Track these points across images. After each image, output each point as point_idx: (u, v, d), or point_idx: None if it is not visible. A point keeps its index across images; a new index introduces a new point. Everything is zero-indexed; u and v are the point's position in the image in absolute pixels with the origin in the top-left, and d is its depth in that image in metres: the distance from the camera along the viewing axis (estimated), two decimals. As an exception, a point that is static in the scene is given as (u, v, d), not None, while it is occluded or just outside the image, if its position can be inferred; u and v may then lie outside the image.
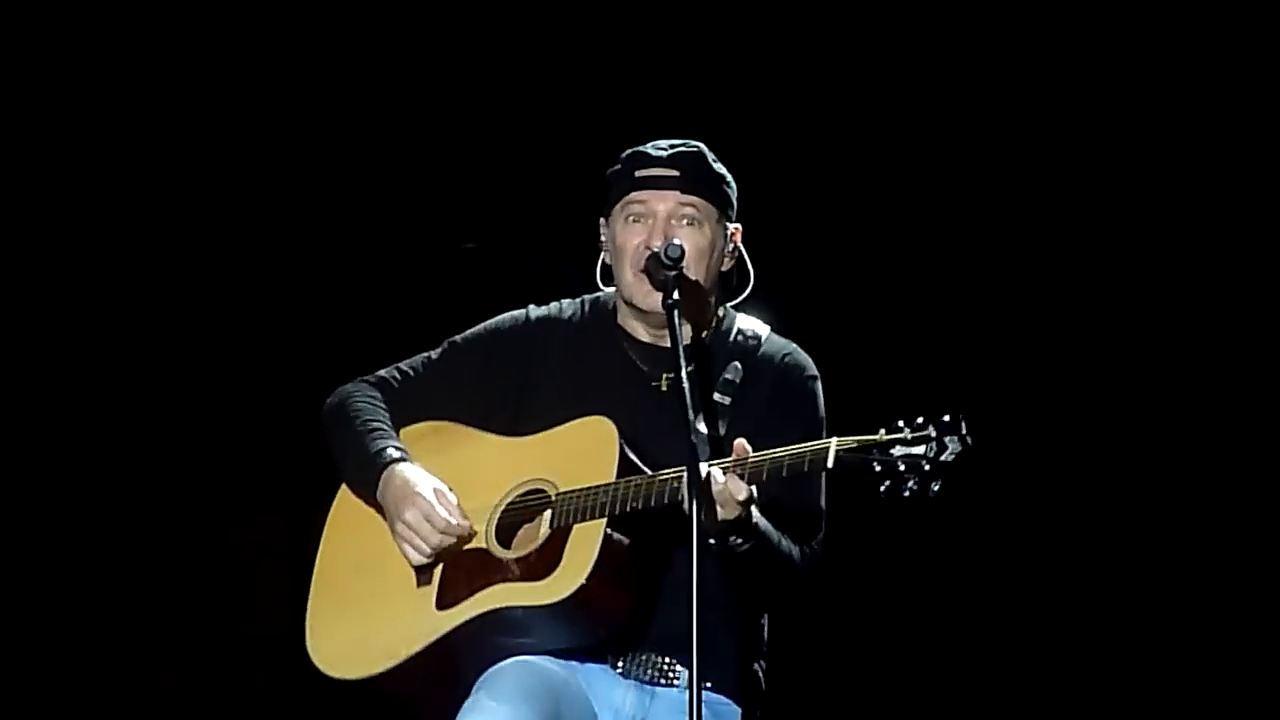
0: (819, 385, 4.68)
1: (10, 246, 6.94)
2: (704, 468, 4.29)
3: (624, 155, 4.70)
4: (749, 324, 4.74)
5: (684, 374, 4.31)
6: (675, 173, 4.62)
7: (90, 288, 7.04)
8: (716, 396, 4.62)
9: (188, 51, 6.82)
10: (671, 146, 4.66)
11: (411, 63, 6.87)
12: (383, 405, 4.74)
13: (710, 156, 4.67)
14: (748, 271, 4.71)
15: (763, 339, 4.71)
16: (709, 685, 4.38)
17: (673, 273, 4.44)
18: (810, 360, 4.71)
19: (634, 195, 4.62)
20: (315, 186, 6.98)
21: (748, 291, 4.72)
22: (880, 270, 6.88)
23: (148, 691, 7.23)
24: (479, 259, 7.00)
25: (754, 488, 4.31)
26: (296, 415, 6.52)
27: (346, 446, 4.70)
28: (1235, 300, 6.77)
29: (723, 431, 4.52)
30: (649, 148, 4.67)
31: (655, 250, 4.49)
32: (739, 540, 4.38)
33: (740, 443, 4.32)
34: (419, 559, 4.58)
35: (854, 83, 6.80)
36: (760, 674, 4.65)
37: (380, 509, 4.67)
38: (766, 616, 4.66)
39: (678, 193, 4.62)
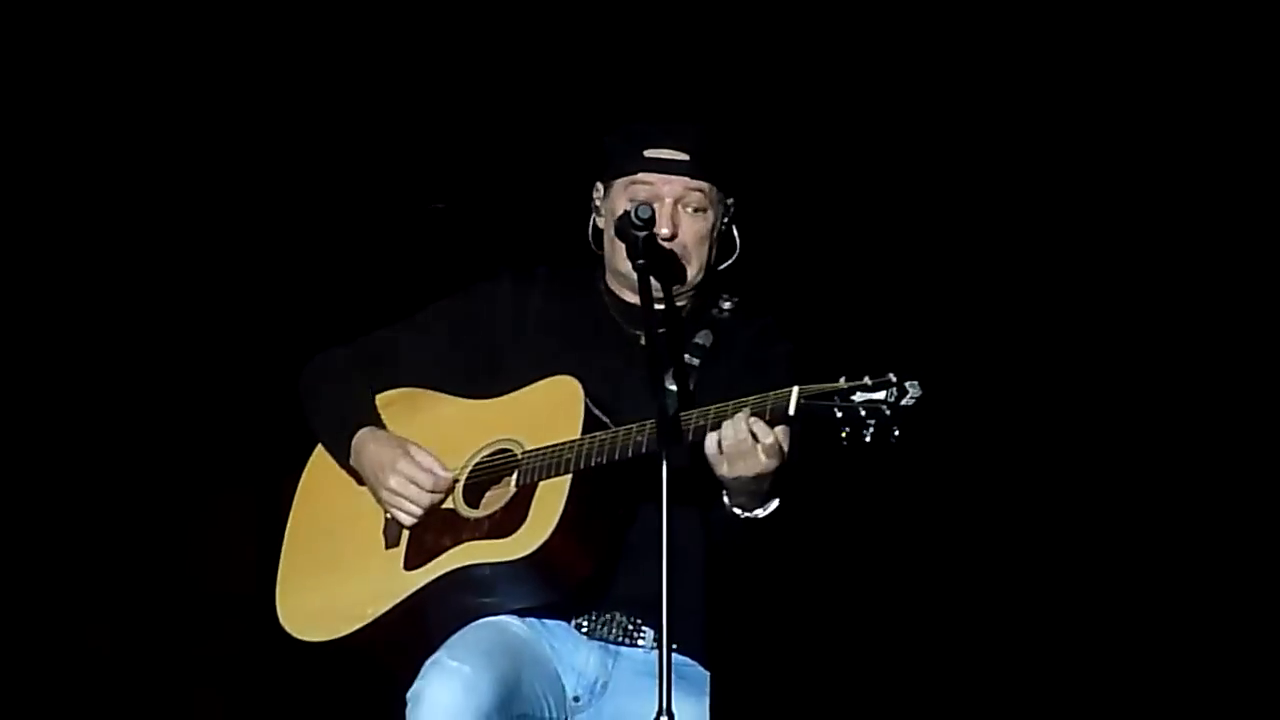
0: (791, 356, 4.66)
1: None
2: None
3: (631, 127, 4.64)
4: (726, 296, 4.72)
5: (655, 339, 4.30)
6: (685, 156, 4.57)
7: (56, 264, 7.00)
8: (686, 358, 4.61)
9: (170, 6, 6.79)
10: (678, 125, 4.60)
11: (385, 24, 6.84)
12: (357, 372, 4.73)
13: (718, 138, 4.61)
14: (734, 241, 4.69)
15: (737, 313, 4.71)
16: (675, 647, 4.38)
17: (642, 234, 4.38)
18: (783, 335, 4.71)
19: (641, 176, 4.56)
20: (281, 152, 6.95)
21: (731, 260, 4.70)
22: (856, 239, 6.86)
23: (114, 655, 7.22)
24: (448, 219, 6.97)
25: (779, 431, 4.27)
26: (270, 385, 6.53)
27: (319, 414, 4.71)
28: (1217, 271, 6.75)
29: (691, 388, 4.48)
30: (657, 125, 4.61)
31: (627, 211, 4.42)
32: (758, 508, 4.38)
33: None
34: (410, 520, 4.58)
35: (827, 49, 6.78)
36: (724, 636, 4.64)
37: (355, 474, 4.67)
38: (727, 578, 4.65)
39: (686, 178, 4.57)
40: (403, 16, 6.76)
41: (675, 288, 4.56)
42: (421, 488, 4.57)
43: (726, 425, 4.26)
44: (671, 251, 4.56)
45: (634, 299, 4.60)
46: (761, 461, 4.27)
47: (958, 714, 6.79)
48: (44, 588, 7.11)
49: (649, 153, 4.58)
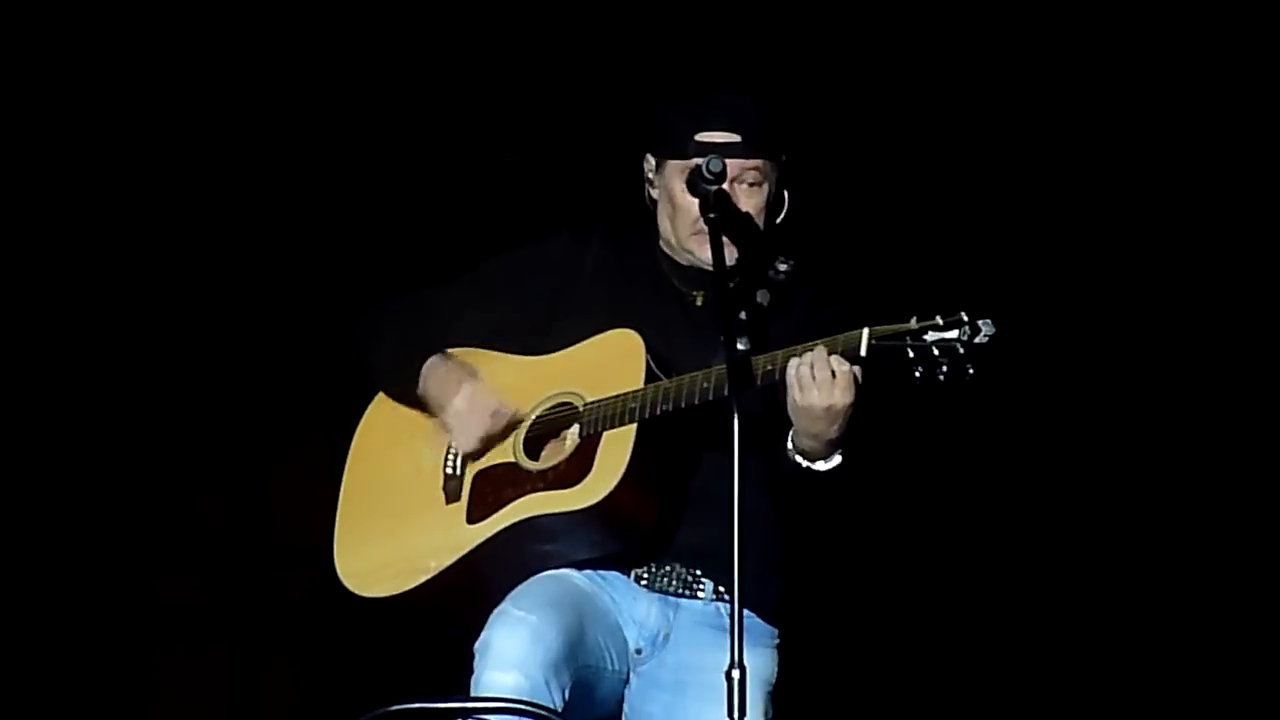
0: (843, 317, 4.59)
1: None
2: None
3: (680, 106, 4.61)
4: (782, 258, 4.71)
5: (727, 294, 4.31)
6: (737, 138, 4.55)
7: (129, 223, 7.04)
8: (743, 316, 4.55)
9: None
10: (728, 104, 4.58)
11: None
12: (419, 317, 4.74)
13: (766, 108, 4.59)
14: (784, 200, 4.67)
15: (794, 272, 4.69)
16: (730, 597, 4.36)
17: (713, 187, 4.39)
18: (842, 293, 4.69)
19: (696, 160, 4.48)
20: (354, 105, 6.96)
21: (782, 216, 4.67)
22: (910, 189, 6.83)
23: (181, 605, 7.26)
24: (519, 173, 6.96)
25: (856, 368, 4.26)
26: (338, 334, 6.53)
27: (384, 351, 4.71)
28: (1223, 268, 6.72)
29: (743, 349, 4.42)
30: (705, 104, 4.59)
31: (698, 164, 4.41)
32: (821, 459, 4.36)
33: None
34: (469, 444, 4.59)
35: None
36: (780, 586, 4.64)
37: (420, 408, 4.68)
38: (784, 529, 4.65)
39: (741, 160, 4.55)
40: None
41: (734, 260, 4.53)
42: (486, 409, 4.57)
43: (807, 354, 4.26)
44: (739, 210, 4.55)
45: (688, 260, 4.62)
46: (836, 395, 4.26)
47: (1015, 685, 6.79)
48: (117, 541, 7.15)
49: (701, 136, 4.56)
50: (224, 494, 7.27)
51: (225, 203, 7.05)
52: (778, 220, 4.66)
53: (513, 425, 4.61)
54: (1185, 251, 6.71)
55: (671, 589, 4.57)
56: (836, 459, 4.40)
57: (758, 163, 4.57)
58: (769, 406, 4.40)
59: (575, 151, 6.86)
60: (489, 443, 4.61)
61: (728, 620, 4.01)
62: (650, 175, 4.68)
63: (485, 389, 4.59)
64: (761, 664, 4.55)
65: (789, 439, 4.39)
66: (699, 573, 4.57)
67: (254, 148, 6.99)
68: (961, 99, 6.71)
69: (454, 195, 6.93)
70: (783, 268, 4.69)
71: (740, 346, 4.32)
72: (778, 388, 4.33)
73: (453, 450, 4.66)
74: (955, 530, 6.83)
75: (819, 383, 4.26)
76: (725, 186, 4.47)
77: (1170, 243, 6.72)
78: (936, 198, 6.78)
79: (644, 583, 4.57)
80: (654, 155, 4.65)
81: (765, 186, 4.59)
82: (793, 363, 4.28)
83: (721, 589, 4.56)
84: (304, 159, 7.00)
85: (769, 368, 4.32)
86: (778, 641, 4.65)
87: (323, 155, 7.00)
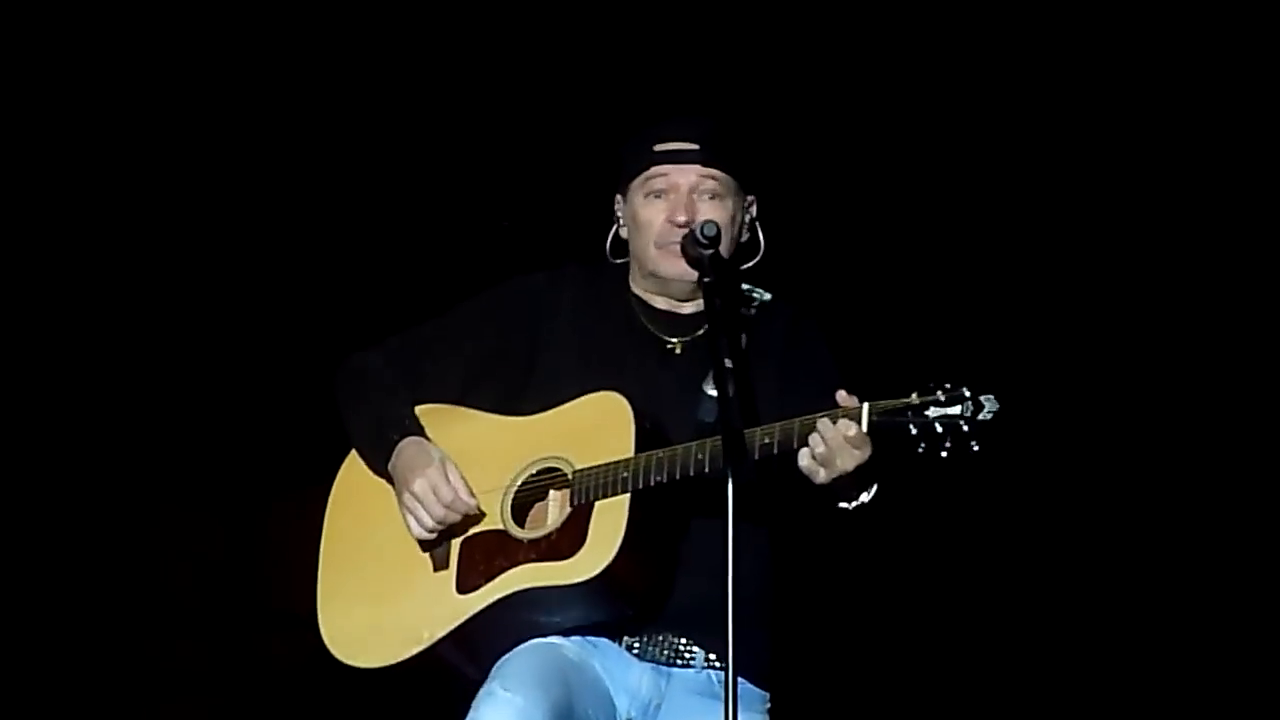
0: (825, 342, 4.64)
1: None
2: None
3: (636, 131, 4.61)
4: (753, 291, 4.67)
5: (727, 361, 4.23)
6: (695, 146, 4.54)
7: (106, 276, 7.03)
8: (728, 362, 4.52)
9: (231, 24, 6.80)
10: (688, 116, 4.58)
11: (453, 39, 6.84)
12: (396, 373, 4.68)
13: (728, 126, 4.59)
14: (758, 241, 4.64)
15: (767, 305, 4.66)
16: (722, 665, 4.30)
17: (708, 251, 4.35)
18: (814, 322, 4.67)
19: (654, 170, 4.53)
20: (359, 166, 6.96)
21: (756, 259, 4.64)
22: (888, 248, 6.82)
23: (177, 668, 7.22)
24: (515, 238, 6.96)
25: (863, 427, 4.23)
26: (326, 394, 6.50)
27: (359, 415, 4.65)
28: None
29: (730, 393, 4.37)
30: (665, 120, 4.58)
31: (692, 229, 4.39)
32: (853, 497, 4.34)
33: (841, 393, 4.26)
34: (422, 532, 4.52)
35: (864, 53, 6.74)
36: (768, 642, 4.59)
37: (389, 480, 4.61)
38: (773, 592, 4.61)
39: (699, 166, 4.53)
40: (471, 43, 6.77)
41: (697, 283, 4.44)
42: (439, 500, 4.49)
43: (813, 436, 4.23)
44: (731, 263, 4.50)
45: (665, 304, 4.60)
46: (856, 455, 4.23)
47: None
48: (98, 599, 7.11)
49: (659, 146, 4.55)
50: (217, 554, 7.25)
51: (224, 265, 7.04)
52: (749, 265, 4.63)
53: (474, 517, 4.53)
54: (1195, 320, 6.71)
55: (663, 658, 4.51)
56: (875, 487, 4.39)
57: (715, 173, 4.53)
58: (755, 476, 4.36)
59: (572, 217, 6.85)
60: (443, 535, 4.54)
61: (720, 688, 3.97)
62: (619, 212, 4.64)
63: (446, 479, 4.51)
64: (753, 730, 4.51)
65: (822, 497, 4.38)
66: (689, 642, 4.51)
67: (254, 207, 6.99)
68: (970, 149, 6.70)
69: (452, 260, 6.92)
70: (757, 301, 4.65)
71: (709, 404, 4.33)
72: (771, 456, 4.30)
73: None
74: (941, 579, 6.81)
75: (835, 451, 4.23)
76: (684, 195, 4.48)
77: (1181, 311, 6.72)
78: (932, 256, 6.78)
79: (635, 651, 4.52)
80: (620, 191, 4.63)
81: (727, 203, 4.55)
82: (803, 453, 4.24)
83: (713, 656, 4.51)
84: (303, 220, 7.00)
85: (765, 441, 4.29)
86: (769, 706, 4.60)
87: (322, 217, 7.00)
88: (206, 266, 7.04)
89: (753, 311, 4.63)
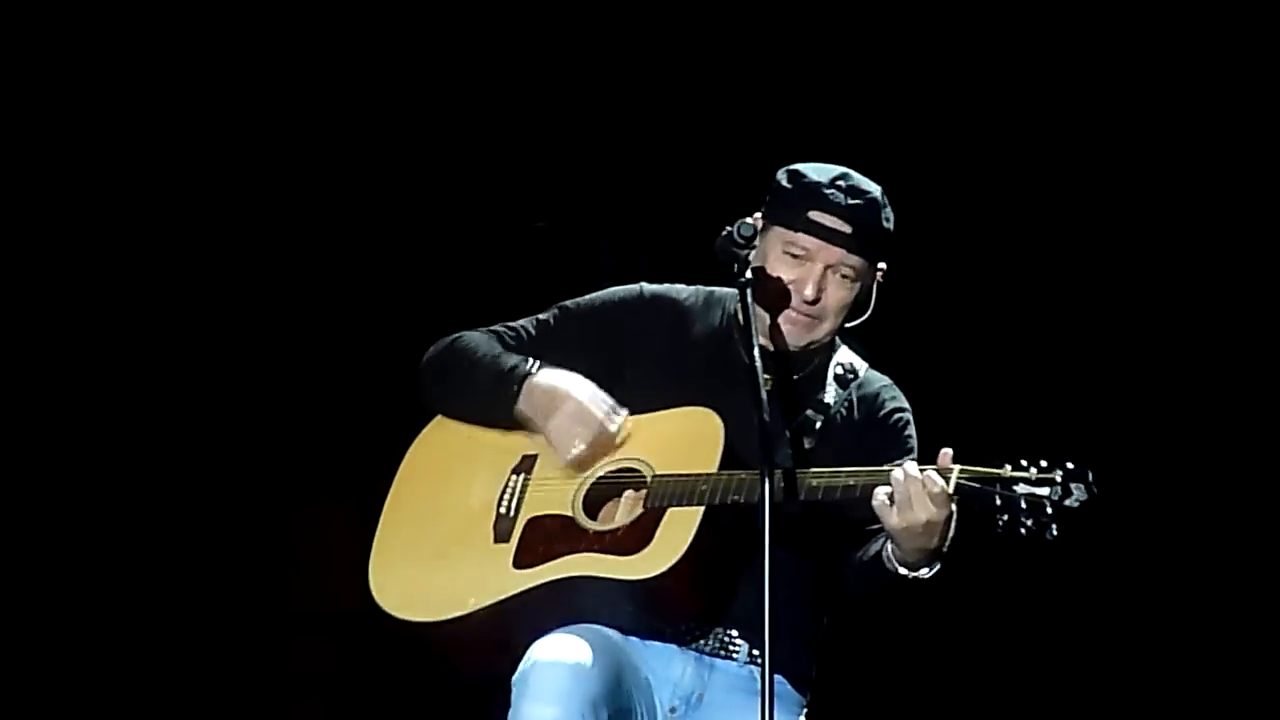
0: (911, 422, 4.64)
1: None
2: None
3: (802, 178, 4.55)
4: (849, 357, 4.69)
5: (756, 353, 4.28)
6: (849, 229, 4.51)
7: (162, 264, 7.07)
8: (809, 413, 4.59)
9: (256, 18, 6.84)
10: (850, 192, 4.53)
11: (484, 39, 6.87)
12: (501, 348, 4.69)
13: (884, 210, 4.56)
14: (869, 303, 4.63)
15: (860, 372, 4.68)
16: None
17: (744, 251, 4.39)
18: (904, 397, 4.68)
19: (801, 238, 4.50)
20: (386, 170, 6.99)
21: (861, 320, 4.64)
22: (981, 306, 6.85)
23: (210, 671, 7.25)
24: (549, 238, 6.99)
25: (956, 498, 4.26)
26: (368, 399, 6.54)
27: (474, 369, 4.64)
28: None
29: (808, 446, 4.49)
30: (829, 187, 4.53)
31: (729, 229, 4.41)
32: (924, 568, 4.35)
33: (946, 451, 4.27)
34: (573, 454, 4.53)
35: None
36: (811, 659, 4.64)
37: (506, 428, 4.62)
38: (820, 617, 4.65)
39: (844, 251, 4.52)
40: (513, 36, 6.79)
41: (799, 344, 4.54)
42: (596, 416, 4.52)
43: (896, 473, 4.26)
44: (806, 283, 4.53)
45: (765, 342, 4.57)
46: (933, 509, 4.24)
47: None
48: (146, 600, 7.15)
49: (814, 215, 4.52)
50: (252, 560, 7.28)
51: (256, 277, 7.07)
52: (858, 321, 4.64)
53: (605, 449, 4.56)
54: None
55: (708, 648, 4.55)
56: (938, 565, 4.39)
57: (857, 260, 4.54)
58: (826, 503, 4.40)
59: (604, 217, 6.88)
60: (594, 455, 4.56)
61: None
62: (750, 235, 4.51)
63: (595, 400, 4.53)
64: (789, 731, 4.56)
65: (887, 545, 4.37)
66: (735, 634, 4.55)
67: (282, 213, 7.02)
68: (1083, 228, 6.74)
69: (486, 261, 6.95)
70: (847, 362, 4.67)
71: (785, 450, 4.40)
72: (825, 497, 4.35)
73: (510, 489, 4.62)
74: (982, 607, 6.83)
75: (914, 498, 4.24)
76: (819, 272, 4.49)
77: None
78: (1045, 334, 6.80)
79: (680, 641, 4.54)
80: (764, 217, 4.58)
81: (856, 286, 4.56)
82: (880, 490, 4.27)
83: (756, 652, 4.53)
84: (335, 227, 7.03)
85: (814, 484, 4.35)
86: (806, 710, 4.63)
87: (353, 222, 7.03)
88: (240, 264, 7.07)
89: (848, 373, 4.66)
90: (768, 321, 4.51)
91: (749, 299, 4.36)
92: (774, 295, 4.52)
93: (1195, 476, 6.79)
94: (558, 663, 4.33)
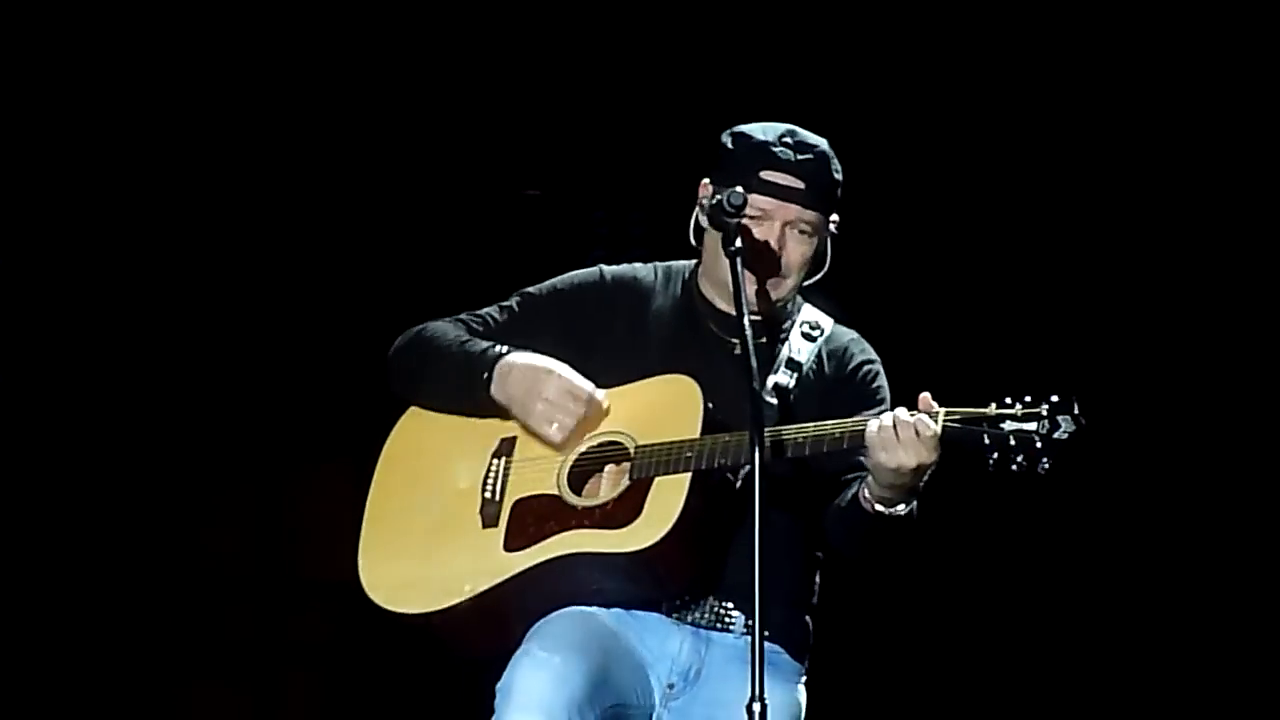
0: (882, 372, 4.65)
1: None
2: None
3: (748, 139, 4.55)
4: (814, 314, 4.69)
5: (746, 322, 4.27)
6: (802, 185, 4.52)
7: (156, 236, 7.07)
8: (782, 372, 4.59)
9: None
10: (798, 148, 4.53)
11: (476, 8, 6.85)
12: (469, 336, 4.67)
13: (833, 162, 4.56)
14: (826, 257, 4.63)
15: (826, 328, 4.68)
16: (765, 635, 4.35)
17: (734, 220, 4.38)
18: (871, 349, 4.68)
19: (756, 199, 4.48)
20: (379, 136, 6.98)
21: (819, 276, 4.65)
22: (944, 255, 6.84)
23: (208, 640, 7.27)
24: (543, 206, 6.98)
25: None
26: (360, 365, 6.52)
27: (442, 358, 4.63)
28: None
29: (785, 405, 4.49)
30: (776, 145, 4.53)
31: (719, 198, 4.40)
32: (900, 504, 4.35)
33: (925, 395, 4.27)
34: (560, 435, 4.52)
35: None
36: (809, 625, 4.64)
37: (482, 416, 4.60)
38: (819, 569, 4.64)
39: (800, 207, 4.52)
40: (502, 9, 6.78)
41: (764, 301, 4.54)
42: (579, 398, 4.51)
43: (887, 414, 4.27)
44: (766, 243, 4.53)
45: (727, 307, 4.58)
46: (923, 454, 4.25)
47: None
48: (141, 576, 7.16)
49: (765, 175, 4.52)
50: (247, 527, 7.29)
51: (250, 245, 7.07)
52: (817, 277, 4.64)
53: (585, 428, 4.55)
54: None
55: (704, 622, 4.55)
56: (914, 503, 4.39)
57: (814, 215, 4.54)
58: (807, 466, 4.41)
59: (596, 185, 6.87)
60: (575, 432, 4.55)
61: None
62: (704, 200, 4.58)
63: (570, 381, 4.52)
64: (788, 700, 4.56)
65: (864, 487, 4.38)
66: (730, 606, 4.55)
67: (277, 183, 7.02)
68: (1057, 174, 6.72)
69: (478, 228, 6.95)
70: (813, 319, 4.67)
71: (771, 411, 4.38)
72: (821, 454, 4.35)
73: (492, 473, 4.61)
74: (980, 574, 6.83)
75: (904, 442, 4.25)
76: (777, 229, 4.49)
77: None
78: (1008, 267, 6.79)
79: (676, 615, 4.55)
80: (713, 182, 4.59)
81: (814, 240, 4.57)
82: (872, 424, 4.27)
83: (752, 623, 4.53)
84: (330, 194, 7.03)
85: (800, 440, 4.34)
86: (804, 679, 4.64)
87: (348, 190, 7.03)
88: (233, 233, 7.08)
89: (814, 330, 4.65)
90: (730, 287, 4.46)
91: (739, 267, 4.34)
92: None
93: (1174, 420, 6.77)
94: (539, 671, 4.32)
